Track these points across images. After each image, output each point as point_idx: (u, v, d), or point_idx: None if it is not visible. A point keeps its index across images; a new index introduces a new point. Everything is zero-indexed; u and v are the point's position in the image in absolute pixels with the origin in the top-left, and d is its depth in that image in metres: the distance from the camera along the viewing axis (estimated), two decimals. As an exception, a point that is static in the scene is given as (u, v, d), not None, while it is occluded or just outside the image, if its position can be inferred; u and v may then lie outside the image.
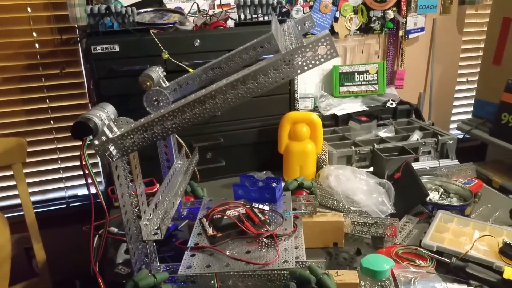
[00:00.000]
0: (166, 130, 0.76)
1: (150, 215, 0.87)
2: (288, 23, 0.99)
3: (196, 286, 0.88)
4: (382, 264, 0.91)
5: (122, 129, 0.77)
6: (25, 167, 1.78)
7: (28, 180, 1.81)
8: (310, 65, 0.74)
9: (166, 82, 1.13)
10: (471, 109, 2.49)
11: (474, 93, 2.47)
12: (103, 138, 0.75)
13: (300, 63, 0.74)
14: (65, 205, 1.91)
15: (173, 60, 1.33)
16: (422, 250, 1.05)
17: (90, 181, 0.76)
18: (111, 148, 0.75)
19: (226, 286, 0.87)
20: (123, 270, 1.06)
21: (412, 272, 0.97)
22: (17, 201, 1.71)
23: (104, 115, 0.77)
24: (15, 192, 1.64)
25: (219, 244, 0.93)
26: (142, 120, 0.77)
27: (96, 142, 0.74)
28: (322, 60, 0.73)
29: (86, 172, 0.73)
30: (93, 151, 0.74)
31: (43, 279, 1.61)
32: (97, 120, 0.74)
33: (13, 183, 1.49)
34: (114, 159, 0.76)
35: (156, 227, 0.86)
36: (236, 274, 0.86)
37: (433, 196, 1.35)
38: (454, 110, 2.52)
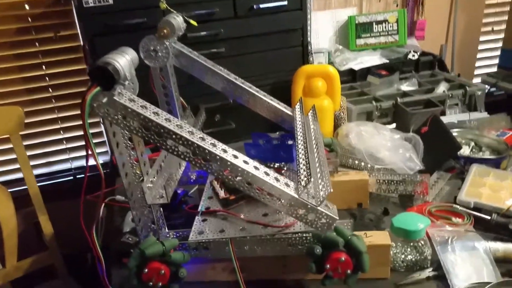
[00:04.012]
0: (165, 145, 0.66)
1: (154, 177, 0.78)
2: None
3: (209, 252, 0.79)
4: (416, 223, 0.81)
5: (128, 100, 0.65)
6: (27, 138, 1.71)
7: (31, 152, 1.74)
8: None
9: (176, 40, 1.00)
10: (495, 61, 2.34)
11: (499, 44, 2.31)
12: (105, 99, 0.64)
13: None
14: (71, 177, 1.84)
15: (172, 10, 1.20)
16: (458, 207, 0.95)
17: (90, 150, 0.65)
18: (109, 110, 0.64)
19: (242, 252, 0.78)
20: (130, 239, 0.98)
21: (449, 231, 0.87)
22: (21, 175, 1.63)
23: (127, 68, 0.65)
24: (18, 166, 1.56)
25: (233, 208, 0.84)
26: (151, 114, 0.65)
27: (103, 98, 0.63)
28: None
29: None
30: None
31: (52, 253, 1.56)
32: (121, 72, 0.63)
33: (14, 156, 1.42)
34: (106, 119, 0.66)
35: (162, 190, 0.77)
36: (253, 238, 0.77)
37: (463, 151, 1.23)
38: (477, 63, 2.36)
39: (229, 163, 0.67)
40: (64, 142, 1.77)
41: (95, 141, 1.82)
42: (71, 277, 1.66)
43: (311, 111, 1.00)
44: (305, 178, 0.70)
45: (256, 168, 0.68)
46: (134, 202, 0.78)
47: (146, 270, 0.74)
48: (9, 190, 1.48)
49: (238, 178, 0.68)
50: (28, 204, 1.56)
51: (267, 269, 0.83)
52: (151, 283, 0.74)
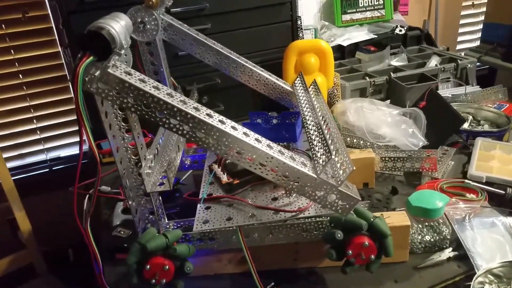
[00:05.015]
0: (168, 124, 0.58)
1: (152, 162, 0.70)
2: None
3: (215, 243, 0.73)
4: (434, 201, 0.77)
5: (124, 73, 0.56)
6: (-4, 129, 1.59)
7: (2, 144, 1.62)
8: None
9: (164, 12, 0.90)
10: (477, 35, 2.34)
11: (480, 18, 2.30)
12: (98, 72, 0.55)
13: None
14: (47, 169, 1.72)
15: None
16: (470, 182, 0.91)
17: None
18: (101, 85, 0.56)
19: (251, 241, 0.72)
20: (122, 232, 0.90)
21: (464, 208, 0.83)
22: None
23: (123, 36, 0.56)
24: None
25: (238, 193, 0.77)
26: (151, 88, 0.57)
27: (95, 70, 0.54)
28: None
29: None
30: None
31: (31, 251, 1.46)
32: (117, 39, 0.54)
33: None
34: (99, 96, 0.57)
35: (160, 176, 0.69)
36: (264, 225, 0.70)
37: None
38: (459, 38, 2.35)
39: (239, 141, 0.59)
40: (38, 132, 1.65)
41: (70, 130, 1.70)
42: (52, 275, 1.57)
43: (312, 86, 0.93)
44: (323, 156, 0.63)
45: (269, 146, 0.61)
46: (130, 191, 0.70)
47: (148, 267, 0.66)
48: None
49: (251, 158, 0.61)
50: (1, 199, 1.45)
51: (277, 258, 0.77)
52: (153, 281, 0.67)
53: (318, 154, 0.65)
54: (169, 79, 0.91)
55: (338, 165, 0.64)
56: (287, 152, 0.62)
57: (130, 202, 0.70)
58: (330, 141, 0.68)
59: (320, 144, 0.67)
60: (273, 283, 0.74)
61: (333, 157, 0.61)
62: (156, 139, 0.76)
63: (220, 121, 0.60)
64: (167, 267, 0.67)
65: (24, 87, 1.57)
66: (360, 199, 0.64)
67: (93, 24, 0.54)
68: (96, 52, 0.52)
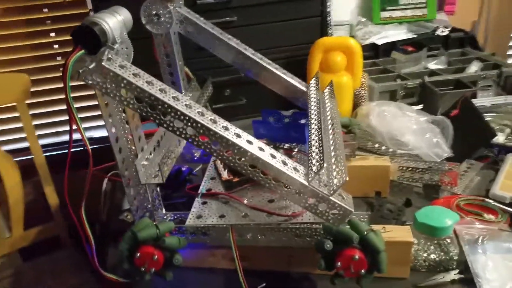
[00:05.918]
0: (160, 119, 0.58)
1: (150, 154, 0.70)
2: None
3: (208, 238, 0.72)
4: (443, 219, 0.72)
5: (119, 67, 0.57)
6: (35, 107, 1.66)
7: (39, 122, 1.70)
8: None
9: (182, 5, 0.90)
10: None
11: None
12: (93, 65, 0.56)
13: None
14: (81, 148, 1.79)
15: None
16: (491, 201, 0.84)
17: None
18: (97, 78, 0.56)
19: (244, 240, 0.71)
20: (129, 217, 0.92)
21: (479, 229, 0.77)
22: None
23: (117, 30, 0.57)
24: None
25: (236, 191, 0.76)
26: (144, 83, 0.57)
27: (90, 63, 0.56)
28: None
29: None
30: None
31: (58, 223, 1.53)
32: (109, 34, 0.56)
33: (21, 125, 1.37)
34: (95, 88, 0.58)
35: (157, 169, 0.70)
36: (257, 226, 0.69)
37: (497, 138, 1.11)
38: (512, 43, 2.19)
39: (230, 142, 0.58)
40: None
41: (95, 114, 1.75)
42: (76, 249, 1.63)
43: (328, 88, 0.90)
44: (317, 163, 0.61)
45: (261, 149, 0.60)
46: (128, 180, 0.71)
47: (138, 255, 0.67)
48: (21, 159, 1.45)
49: (241, 159, 0.60)
50: (36, 173, 1.53)
51: (271, 260, 0.75)
52: (143, 269, 0.68)
53: (313, 161, 0.62)
54: (183, 72, 0.91)
55: (334, 173, 0.62)
56: (279, 156, 0.61)
57: (127, 191, 0.71)
58: (332, 147, 0.66)
59: (317, 150, 0.65)
60: (264, 284, 0.73)
61: (325, 165, 0.59)
62: (159, 131, 0.76)
63: (211, 120, 0.59)
64: (156, 257, 0.67)
65: (62, 68, 1.63)
66: (353, 210, 0.61)
67: (88, 18, 0.55)
68: (86, 45, 0.53)
